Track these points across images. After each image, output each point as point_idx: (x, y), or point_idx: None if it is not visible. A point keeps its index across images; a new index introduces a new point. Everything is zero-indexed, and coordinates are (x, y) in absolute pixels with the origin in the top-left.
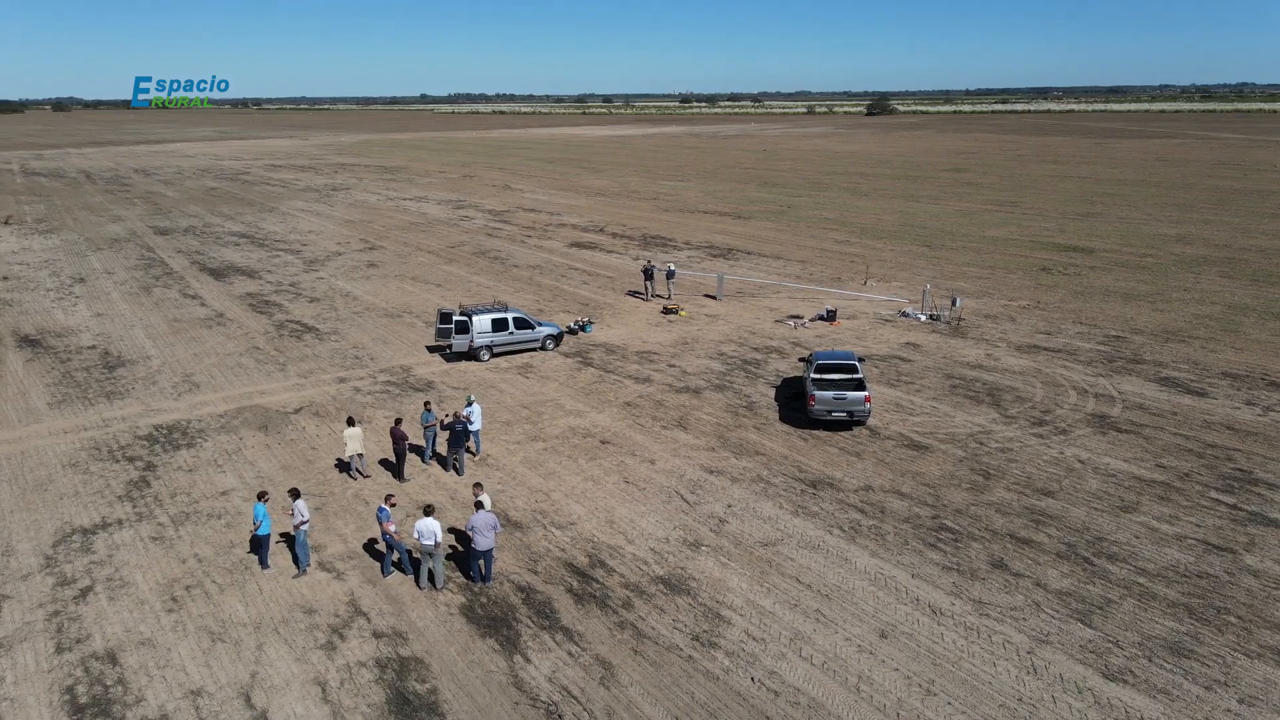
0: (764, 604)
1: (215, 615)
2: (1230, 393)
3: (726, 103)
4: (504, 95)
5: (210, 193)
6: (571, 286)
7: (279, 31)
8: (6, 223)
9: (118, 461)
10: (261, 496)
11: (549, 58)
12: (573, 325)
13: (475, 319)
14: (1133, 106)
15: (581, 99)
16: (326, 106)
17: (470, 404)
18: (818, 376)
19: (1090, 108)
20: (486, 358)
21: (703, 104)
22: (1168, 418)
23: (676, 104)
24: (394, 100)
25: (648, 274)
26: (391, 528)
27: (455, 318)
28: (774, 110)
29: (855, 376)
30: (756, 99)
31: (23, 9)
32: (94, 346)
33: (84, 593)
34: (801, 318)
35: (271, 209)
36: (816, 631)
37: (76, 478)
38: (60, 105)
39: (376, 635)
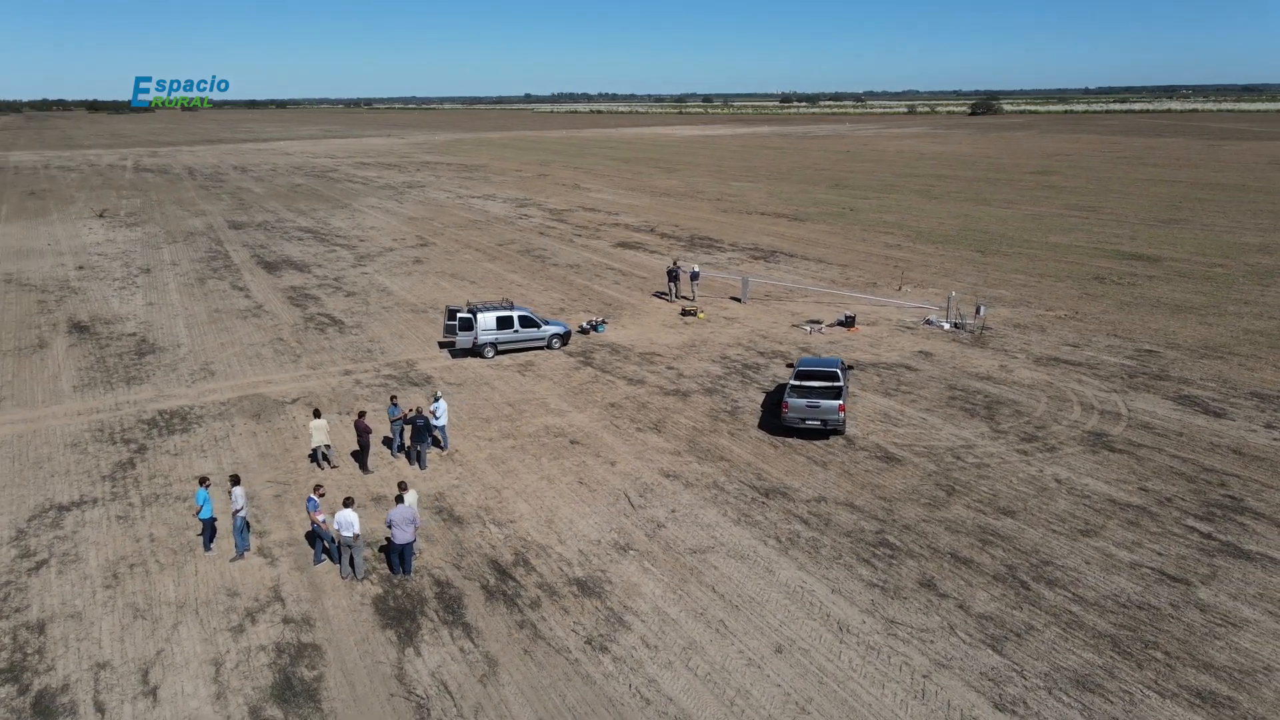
0: (670, 611)
1: (146, 593)
2: (1252, 414)
3: (828, 102)
4: (606, 95)
5: (294, 189)
6: (602, 286)
7: (391, 34)
8: (102, 215)
9: (114, 444)
10: (203, 482)
11: (652, 58)
12: (585, 325)
13: (480, 316)
14: (1267, 106)
15: (681, 99)
16: (433, 106)
17: (437, 399)
18: (796, 383)
19: (1218, 107)
20: (491, 355)
21: (802, 104)
22: (1171, 439)
23: (776, 104)
24: (498, 100)
25: (672, 275)
26: (320, 517)
27: (460, 315)
28: (874, 110)
29: (835, 385)
30: (859, 99)
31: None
32: (134, 334)
33: (39, 566)
34: (820, 323)
35: (345, 205)
36: (712, 642)
37: (72, 457)
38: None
39: (286, 620)
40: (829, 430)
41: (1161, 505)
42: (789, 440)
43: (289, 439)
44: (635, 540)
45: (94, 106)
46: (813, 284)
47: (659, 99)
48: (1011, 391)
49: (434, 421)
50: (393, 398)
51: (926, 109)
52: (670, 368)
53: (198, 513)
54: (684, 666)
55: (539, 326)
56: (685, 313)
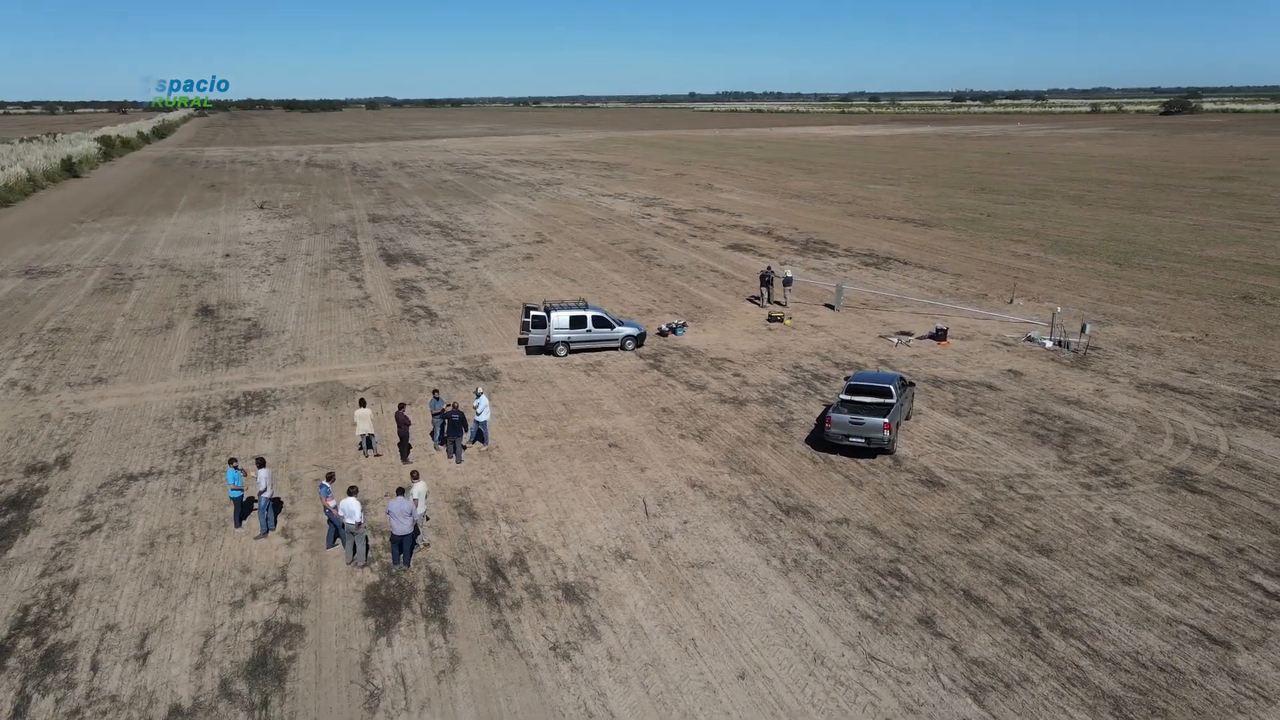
0: (645, 625)
1: (172, 563)
2: None
3: (1004, 101)
4: (771, 94)
5: (440, 185)
6: (698, 288)
7: (560, 34)
8: (262, 207)
9: (196, 420)
10: (232, 462)
11: (819, 56)
12: (663, 327)
13: (553, 315)
14: None
15: (847, 98)
16: (597, 105)
17: (479, 396)
18: (845, 398)
19: None
20: (563, 354)
21: (976, 103)
22: (1268, 483)
23: (946, 103)
24: (662, 99)
25: (765, 280)
26: (330, 503)
27: (534, 313)
28: (1053, 110)
29: (885, 402)
30: (1041, 97)
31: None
32: (249, 319)
33: (93, 530)
34: (910, 335)
35: (480, 201)
36: (676, 661)
37: (157, 431)
38: (372, 104)
39: (283, 600)
40: (875, 449)
41: (1229, 556)
42: (832, 457)
43: (347, 426)
44: (637, 549)
45: (290, 106)
46: (917, 294)
47: (824, 98)
48: (1098, 419)
49: (476, 417)
50: (435, 391)
51: (1113, 108)
52: (737, 375)
53: (230, 491)
54: (639, 683)
55: (612, 327)
56: (772, 319)
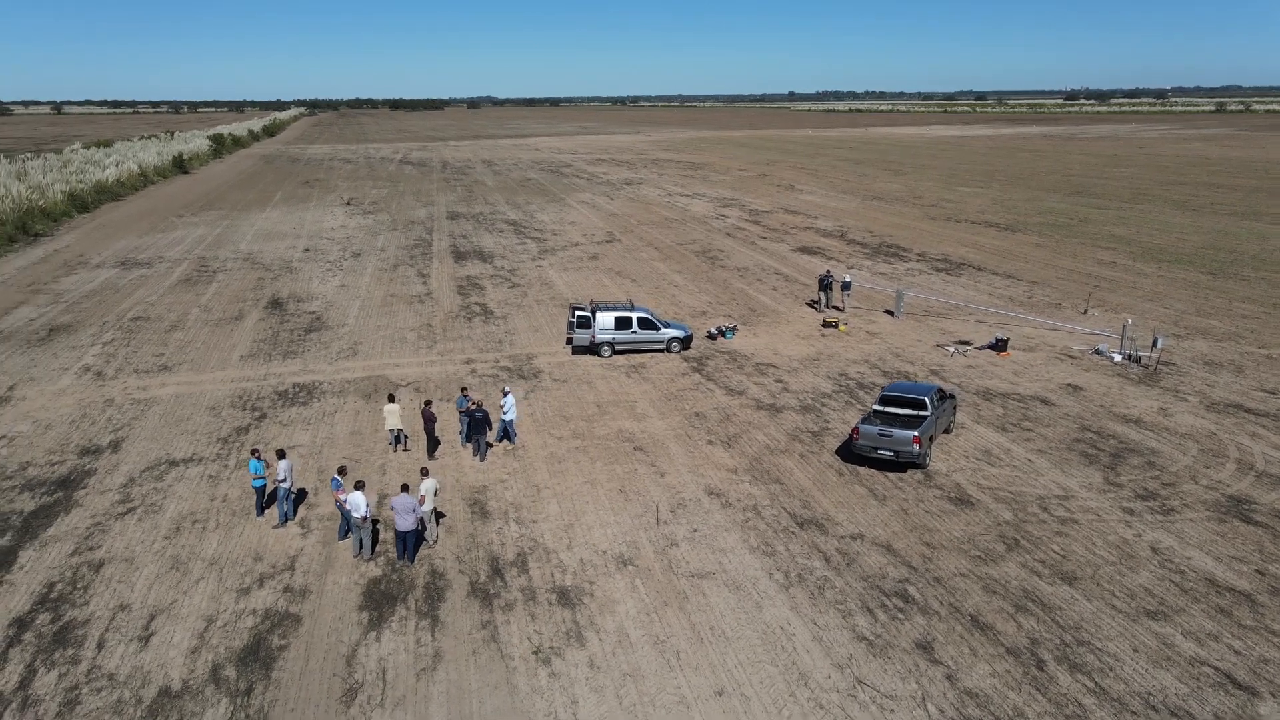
0: (633, 634)
1: (192, 548)
2: None
3: (1122, 100)
4: (872, 93)
5: (523, 183)
6: (758, 291)
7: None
8: (349, 204)
9: (244, 410)
10: (255, 452)
11: (923, 54)
12: (712, 330)
13: (599, 315)
14: None
15: (951, 97)
16: (694, 105)
17: (506, 395)
18: (878, 408)
19: None
20: (607, 354)
21: (1090, 102)
22: None
23: (1058, 102)
24: (761, 98)
25: (824, 284)
26: (341, 497)
27: (579, 313)
28: (1174, 109)
29: (918, 414)
30: (1162, 95)
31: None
32: (314, 313)
33: (128, 512)
34: (969, 344)
35: (559, 200)
36: (657, 673)
37: (206, 419)
38: (474, 104)
39: (287, 589)
40: (904, 463)
41: (1274, 595)
42: (861, 469)
43: (381, 420)
44: (640, 556)
45: (395, 105)
46: (986, 301)
47: (927, 97)
48: (1156, 439)
49: (502, 416)
50: (463, 389)
51: (1239, 107)
52: (779, 381)
53: (253, 480)
54: (614, 694)
55: (658, 329)
56: (826, 324)
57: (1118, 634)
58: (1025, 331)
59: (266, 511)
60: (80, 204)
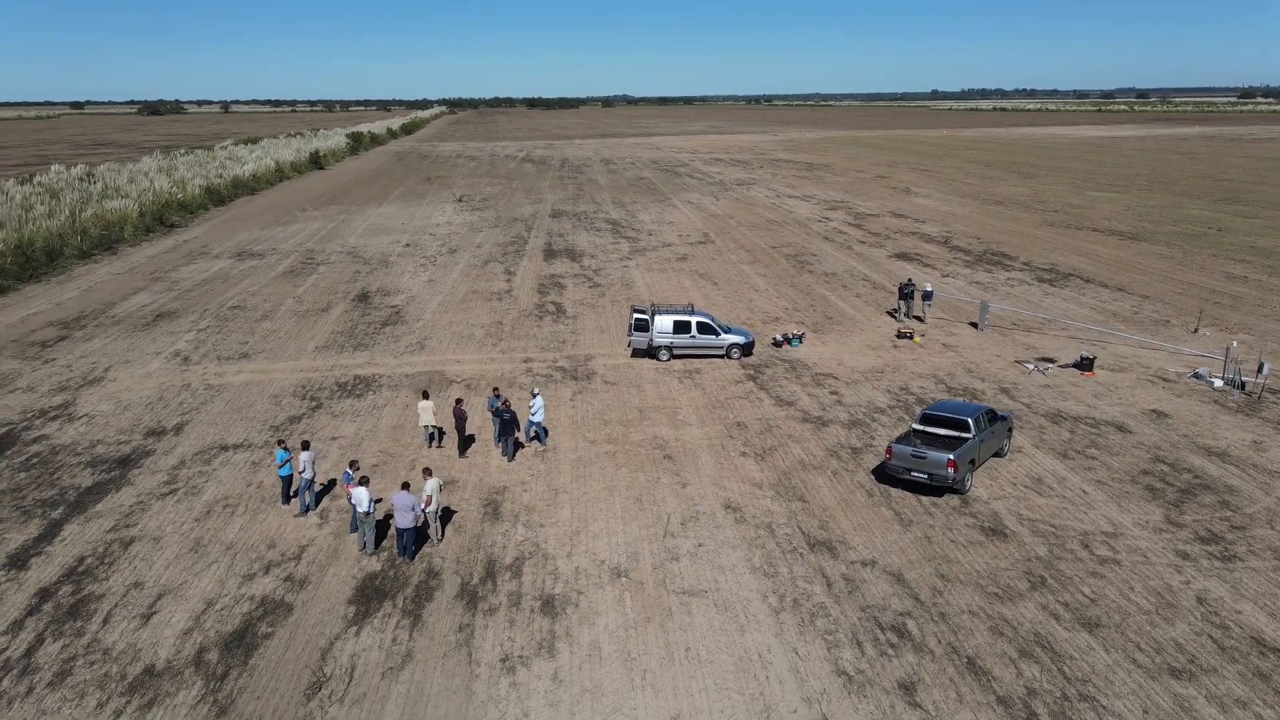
0: (605, 649)
1: (215, 532)
2: None
3: None
4: (1023, 90)
5: (634, 182)
6: (840, 298)
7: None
8: (460, 200)
9: (302, 400)
10: (280, 443)
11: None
12: (777, 338)
13: (657, 319)
14: None
15: (1109, 95)
16: (829, 104)
17: (535, 396)
18: (918, 427)
19: None
20: (665, 358)
21: (1269, 100)
22: None
23: (1230, 100)
24: (901, 97)
25: (905, 293)
26: (351, 490)
27: (637, 315)
28: None
29: (960, 436)
30: None
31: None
32: (395, 307)
33: (170, 493)
34: (1051, 362)
35: (665, 200)
36: (617, 692)
37: (266, 407)
38: (608, 102)
39: (288, 579)
40: (938, 486)
41: None
42: (894, 491)
43: (439, 415)
44: (637, 568)
45: (532, 104)
46: (1086, 315)
47: (1082, 95)
48: (1239, 476)
49: (531, 417)
50: (495, 389)
51: None
52: (834, 393)
53: (280, 469)
54: (568, 710)
55: (718, 334)
56: (901, 335)
57: (1130, 692)
58: (1120, 350)
59: (292, 500)
60: (217, 198)
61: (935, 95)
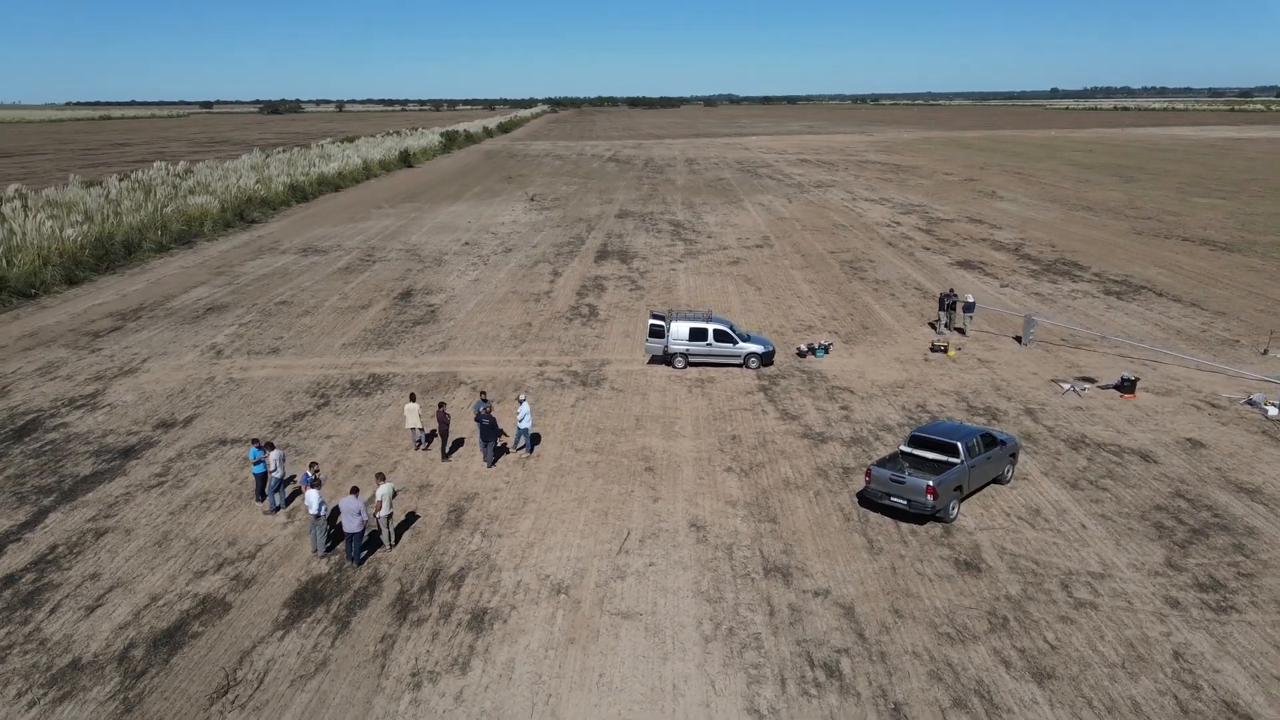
0: (519, 670)
1: (185, 526)
2: None
3: None
4: (1152, 89)
5: (711, 184)
6: (884, 307)
7: (900, 28)
8: (532, 199)
9: (313, 396)
10: (255, 441)
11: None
12: (802, 348)
13: (673, 325)
14: None
15: (1247, 93)
16: (939, 103)
17: (521, 402)
18: (905, 449)
19: None
20: (681, 365)
21: None
22: None
23: None
24: (1018, 95)
25: (946, 304)
26: (307, 492)
27: (652, 321)
28: None
29: (946, 460)
30: None
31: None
32: (433, 306)
33: (157, 485)
34: (1091, 382)
35: (736, 202)
36: (514, 717)
37: (277, 402)
38: (710, 102)
39: (236, 577)
40: (919, 514)
41: None
42: (874, 516)
43: (425, 418)
44: (580, 585)
45: (634, 103)
46: (1144, 333)
47: (1217, 93)
48: (1264, 517)
49: (518, 424)
50: (481, 394)
51: None
52: (845, 408)
53: (253, 466)
54: None
55: (735, 343)
56: (935, 348)
57: None
58: (1172, 372)
59: (266, 498)
60: (300, 194)
61: (1055, 94)
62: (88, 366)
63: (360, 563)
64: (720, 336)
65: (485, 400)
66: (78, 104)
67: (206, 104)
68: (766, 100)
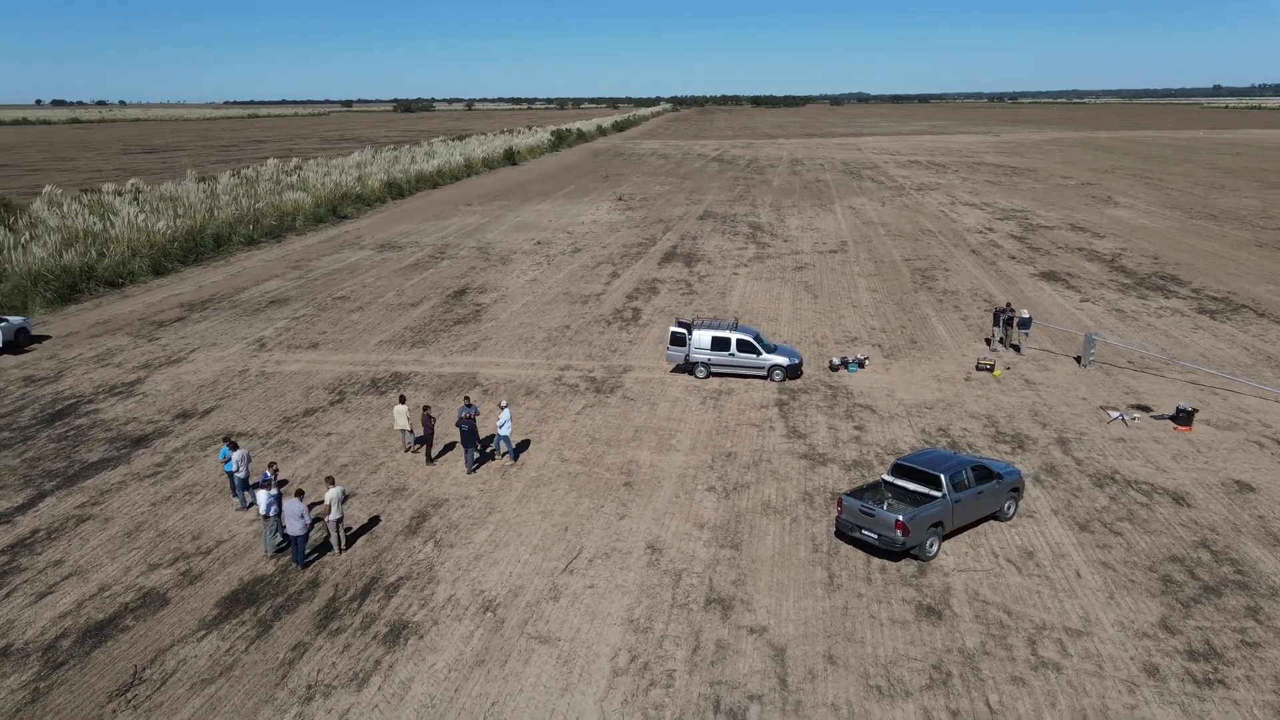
0: (415, 691)
1: (160, 518)
2: None
3: None
4: None
5: (807, 186)
6: (941, 319)
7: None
8: (620, 199)
9: (330, 393)
10: (227, 440)
11: None
12: (834, 361)
13: (695, 333)
14: None
15: None
16: (1083, 100)
17: (503, 409)
18: (886, 478)
19: None
20: (702, 375)
21: None
22: None
23: None
24: (1175, 93)
25: (1003, 319)
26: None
27: (674, 329)
28: None
29: (928, 494)
30: None
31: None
32: (480, 306)
33: (152, 476)
34: (1146, 411)
35: (826, 205)
36: None
37: (295, 398)
38: (836, 100)
39: (185, 572)
40: (886, 550)
41: None
42: (846, 548)
43: (414, 420)
44: (511, 604)
45: (757, 101)
46: (1226, 358)
47: None
48: None
49: (499, 430)
50: (466, 398)
51: None
52: (859, 427)
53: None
54: None
55: (758, 353)
56: (980, 366)
57: None
58: (1245, 403)
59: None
60: (396, 191)
61: (1217, 91)
62: (139, 355)
63: (305, 565)
64: (743, 346)
65: (469, 405)
66: (232, 103)
67: (347, 103)
68: (897, 99)
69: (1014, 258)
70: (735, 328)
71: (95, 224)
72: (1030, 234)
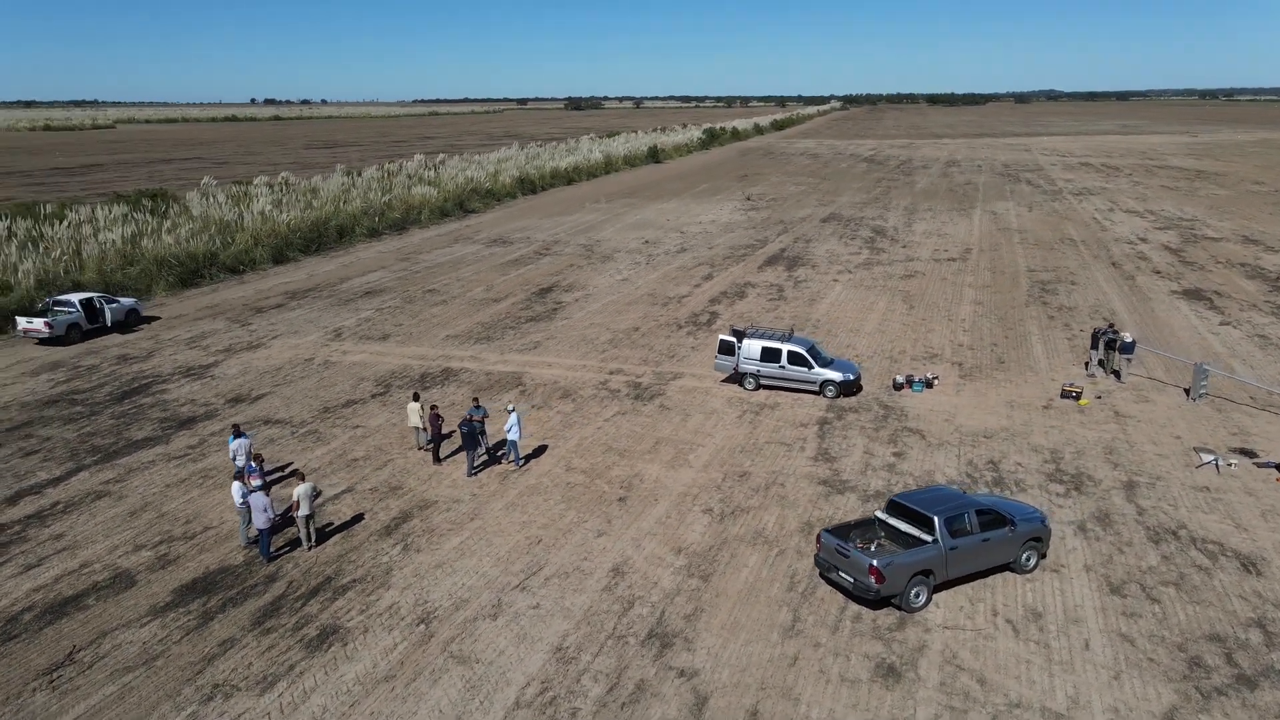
0: (312, 702)
1: (166, 501)
2: None
3: None
4: None
5: (952, 188)
6: (1041, 338)
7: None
8: (748, 199)
9: (377, 385)
10: (235, 429)
11: None
12: (899, 379)
13: (745, 343)
14: None
15: None
16: None
17: (511, 412)
18: (880, 516)
19: None
20: (751, 386)
21: None
22: None
23: None
24: None
25: (1104, 342)
26: (254, 481)
27: (723, 338)
28: None
29: (918, 538)
30: None
31: None
32: (560, 304)
33: (181, 457)
34: (1250, 456)
35: (964, 210)
36: None
37: (345, 388)
38: (1021, 98)
39: (161, 556)
40: (859, 596)
41: None
42: (825, 589)
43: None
44: (447, 618)
45: (934, 100)
46: None
47: None
48: None
49: (506, 435)
50: (475, 399)
51: None
52: (899, 454)
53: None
54: None
55: (811, 367)
56: (1065, 394)
57: None
58: None
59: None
60: (529, 187)
61: None
62: (226, 339)
63: (270, 559)
64: (795, 359)
65: (478, 406)
66: (420, 101)
67: (522, 101)
68: (1092, 96)
69: (1158, 272)
70: (788, 338)
71: (231, 214)
72: (1189, 245)
